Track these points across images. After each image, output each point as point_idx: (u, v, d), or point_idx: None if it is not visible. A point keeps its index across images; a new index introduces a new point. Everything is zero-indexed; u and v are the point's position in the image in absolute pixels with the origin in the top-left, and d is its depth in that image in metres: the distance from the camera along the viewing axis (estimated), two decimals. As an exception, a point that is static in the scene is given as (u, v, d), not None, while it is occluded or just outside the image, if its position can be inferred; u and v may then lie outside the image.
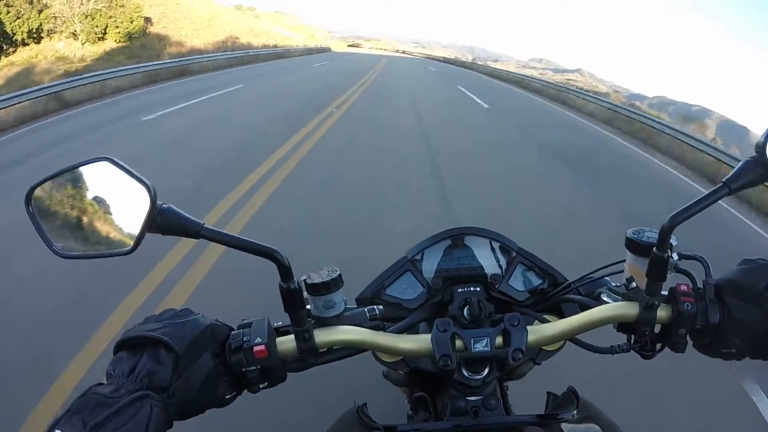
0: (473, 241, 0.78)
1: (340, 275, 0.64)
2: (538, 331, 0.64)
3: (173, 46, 26.21)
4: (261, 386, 0.61)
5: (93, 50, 23.48)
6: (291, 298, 0.59)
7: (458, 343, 0.62)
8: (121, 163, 0.56)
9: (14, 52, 22.55)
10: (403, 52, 61.03)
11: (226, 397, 0.59)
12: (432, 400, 0.81)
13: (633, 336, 0.65)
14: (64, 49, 23.09)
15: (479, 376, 0.65)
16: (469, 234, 0.78)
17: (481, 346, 0.62)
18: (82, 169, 0.59)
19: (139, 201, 0.55)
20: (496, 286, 0.74)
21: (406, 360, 0.70)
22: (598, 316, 0.63)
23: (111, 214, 0.59)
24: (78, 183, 0.60)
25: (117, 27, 24.22)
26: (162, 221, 0.55)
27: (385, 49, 72.60)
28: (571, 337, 0.66)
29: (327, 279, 0.62)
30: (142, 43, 25.21)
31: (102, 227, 0.59)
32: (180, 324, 0.57)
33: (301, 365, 0.63)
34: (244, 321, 0.62)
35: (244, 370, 0.58)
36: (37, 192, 0.58)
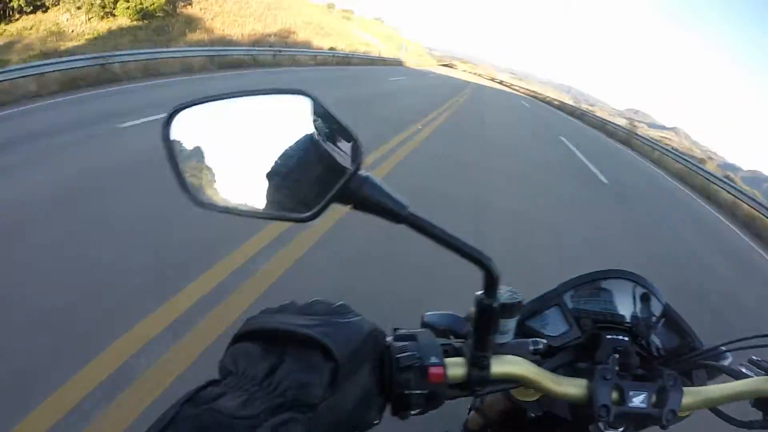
0: (614, 284, 0.74)
1: (522, 301, 0.58)
2: (692, 395, 0.61)
3: (200, 31, 21.80)
4: (413, 412, 0.52)
5: (97, 27, 20.19)
6: (488, 318, 0.52)
7: (614, 394, 0.59)
8: (324, 104, 0.44)
9: (18, 19, 20.18)
10: (500, 82, 51.86)
11: (374, 422, 0.48)
12: None
13: None
14: (67, 22, 20.26)
15: None
16: (621, 278, 0.74)
17: (638, 401, 0.59)
18: (263, 99, 0.46)
19: (332, 159, 0.44)
20: (641, 340, 0.69)
21: (541, 402, 0.67)
22: (748, 388, 0.62)
23: (288, 166, 0.45)
24: (248, 116, 0.47)
25: (127, 2, 20.48)
26: (359, 192, 0.44)
27: (480, 75, 62.75)
28: (715, 405, 0.63)
29: (513, 301, 0.57)
30: (159, 25, 21.17)
31: (272, 181, 0.46)
32: (341, 325, 0.44)
33: (459, 393, 0.55)
34: (401, 330, 0.54)
35: (407, 392, 0.49)
36: (184, 117, 0.46)
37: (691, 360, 0.71)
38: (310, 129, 0.44)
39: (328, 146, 0.45)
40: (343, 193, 0.44)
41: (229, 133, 0.46)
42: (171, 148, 0.45)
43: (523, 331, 0.70)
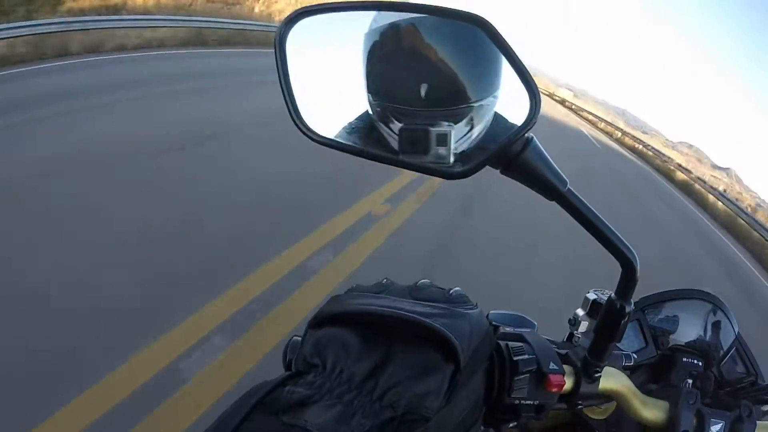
0: (691, 305, 0.73)
1: (631, 309, 0.49)
2: (763, 429, 0.59)
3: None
4: (511, 425, 0.46)
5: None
6: (615, 323, 0.46)
7: (694, 420, 0.56)
8: (504, 39, 0.35)
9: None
10: (563, 102, 37.45)
11: None
12: None
13: None
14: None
15: None
16: (699, 299, 0.72)
17: (716, 430, 0.56)
18: (419, 18, 0.36)
19: (499, 112, 0.36)
20: (714, 367, 0.67)
21: (608, 420, 0.61)
22: None
23: (442, 110, 0.36)
24: (398, 39, 0.37)
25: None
26: (520, 157, 0.38)
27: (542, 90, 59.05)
28: None
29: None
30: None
31: (416, 123, 0.36)
32: (461, 316, 0.35)
33: (559, 407, 0.49)
34: (505, 329, 0.48)
35: (519, 402, 0.43)
36: (306, 27, 0.37)
37: (758, 394, 0.67)
38: (480, 69, 0.36)
39: (500, 98, 0.37)
40: (504, 155, 0.36)
41: (369, 55, 0.37)
42: (285, 63, 0.37)
43: None
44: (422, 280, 0.39)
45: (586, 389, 0.49)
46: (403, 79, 0.37)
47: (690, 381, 0.63)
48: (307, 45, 0.37)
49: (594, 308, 0.51)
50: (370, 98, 0.37)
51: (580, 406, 0.52)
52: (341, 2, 0.37)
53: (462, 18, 0.35)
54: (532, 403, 0.44)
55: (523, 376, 0.43)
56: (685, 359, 0.65)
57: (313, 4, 0.38)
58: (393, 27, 0.36)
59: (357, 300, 0.33)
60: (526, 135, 0.37)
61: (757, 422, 0.59)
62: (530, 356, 0.44)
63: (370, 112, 0.37)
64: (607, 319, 0.47)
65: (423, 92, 0.36)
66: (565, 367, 0.48)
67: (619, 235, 0.44)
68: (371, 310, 0.32)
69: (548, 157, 0.40)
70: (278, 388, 0.27)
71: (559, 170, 0.40)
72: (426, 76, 0.36)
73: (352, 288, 0.36)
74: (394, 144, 0.37)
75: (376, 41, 0.36)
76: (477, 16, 0.35)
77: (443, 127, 0.36)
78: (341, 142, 0.38)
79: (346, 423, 0.26)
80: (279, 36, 0.37)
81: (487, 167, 0.37)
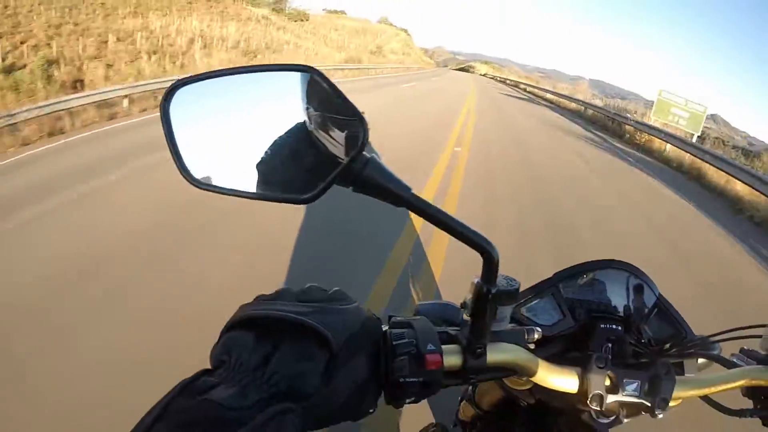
0: (608, 274, 0.75)
1: (518, 288, 0.57)
2: (683, 384, 0.62)
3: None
4: (408, 400, 0.50)
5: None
6: (485, 304, 0.51)
7: (607, 382, 0.60)
8: (331, 82, 0.43)
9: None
10: (509, 83, 45.78)
11: (370, 410, 0.48)
12: None
13: (760, 402, 0.65)
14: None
15: (606, 420, 0.62)
16: (615, 268, 0.74)
17: (631, 390, 0.60)
18: (266, 75, 0.45)
19: (335, 138, 0.43)
20: (634, 330, 0.70)
21: (533, 390, 0.66)
22: (739, 377, 0.64)
23: (289, 145, 0.45)
24: (250, 93, 0.46)
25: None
26: (362, 175, 0.44)
27: (505, 80, 51.22)
28: (706, 394, 0.64)
29: (510, 288, 0.55)
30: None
31: (271, 160, 0.45)
32: (336, 311, 0.44)
33: (458, 381, 0.55)
34: (396, 317, 0.53)
35: (402, 380, 0.48)
36: (184, 93, 0.45)
37: (683, 350, 0.71)
38: (313, 107, 0.43)
39: (332, 126, 0.44)
40: (346, 174, 0.43)
41: (229, 111, 0.45)
42: (169, 124, 0.44)
43: (517, 319, 0.70)
44: (309, 285, 0.47)
45: (474, 364, 0.54)
46: (253, 129, 0.45)
47: (610, 346, 0.66)
48: (187, 107, 0.45)
49: None
50: (238, 148, 0.45)
51: (473, 380, 0.57)
52: (207, 72, 0.45)
53: (296, 69, 0.43)
54: (416, 380, 0.49)
55: (402, 358, 0.48)
56: (602, 326, 0.68)
57: (190, 74, 0.46)
58: (241, 87, 0.45)
59: (254, 307, 0.42)
60: (365, 155, 0.43)
61: (676, 378, 0.61)
62: (409, 340, 0.50)
63: (242, 159, 0.45)
64: (478, 303, 0.52)
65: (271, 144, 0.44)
66: (452, 346, 0.54)
67: (470, 227, 0.49)
68: (261, 314, 0.40)
69: (388, 170, 0.46)
70: (196, 380, 0.35)
71: (400, 180, 0.46)
72: (269, 126, 0.44)
73: (257, 297, 0.45)
74: (260, 185, 0.45)
75: (230, 100, 0.45)
76: (308, 66, 0.43)
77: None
78: (216, 186, 0.46)
79: (242, 398, 0.34)
80: (162, 104, 0.45)
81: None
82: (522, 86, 39.25)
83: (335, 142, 0.44)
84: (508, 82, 49.03)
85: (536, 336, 0.63)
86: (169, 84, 0.46)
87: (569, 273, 0.75)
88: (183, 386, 0.34)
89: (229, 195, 0.45)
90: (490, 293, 0.51)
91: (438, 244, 3.79)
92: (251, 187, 0.44)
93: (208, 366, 0.39)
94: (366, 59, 31.15)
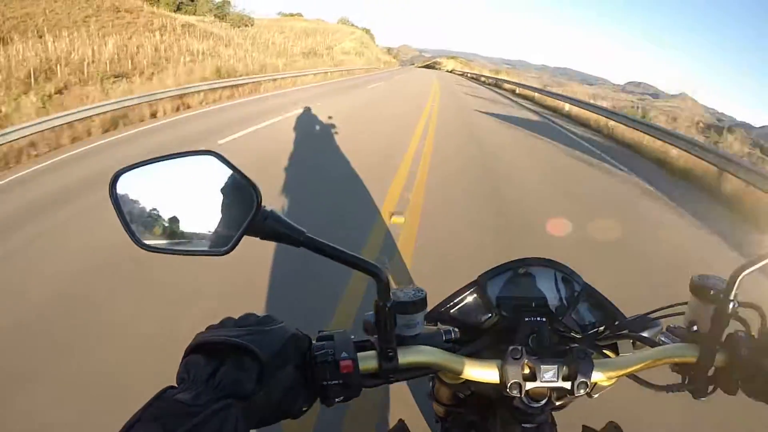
0: (537, 271, 0.80)
1: (425, 297, 0.66)
2: (603, 366, 0.66)
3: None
4: (337, 400, 0.60)
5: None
6: (384, 316, 0.60)
7: (526, 371, 0.64)
8: (228, 159, 0.55)
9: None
10: (469, 76, 47.73)
11: (303, 408, 0.58)
12: (483, 424, 0.81)
13: (688, 376, 0.67)
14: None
15: (538, 405, 0.67)
16: (538, 265, 0.80)
17: (549, 376, 0.64)
18: (182, 159, 0.56)
19: (240, 201, 0.54)
20: (561, 319, 0.76)
21: (468, 383, 0.71)
22: (660, 355, 0.67)
23: (207, 212, 0.57)
24: (173, 174, 0.58)
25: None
26: (264, 226, 0.54)
27: (469, 75, 49.37)
28: (631, 373, 0.67)
29: (415, 299, 0.65)
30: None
31: (195, 224, 0.57)
32: (265, 332, 0.55)
33: (378, 381, 0.63)
34: (324, 332, 0.62)
35: (325, 383, 0.58)
36: (125, 177, 0.56)
37: (610, 333, 0.77)
38: (222, 179, 0.55)
39: (238, 192, 0.55)
40: (252, 227, 0.54)
41: (162, 188, 0.57)
42: (118, 203, 0.56)
43: (445, 320, 0.78)
44: (246, 313, 0.59)
45: (388, 366, 0.61)
46: (179, 201, 0.57)
47: (534, 335, 0.71)
48: (131, 188, 0.56)
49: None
50: (171, 216, 0.56)
51: (393, 380, 0.64)
52: (141, 161, 0.56)
53: (198, 154, 0.55)
54: (336, 382, 0.58)
55: (320, 364, 0.58)
56: (527, 318, 0.73)
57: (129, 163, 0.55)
58: (166, 169, 0.57)
59: (204, 335, 0.54)
60: (263, 210, 0.54)
61: (595, 361, 0.65)
62: (327, 350, 0.58)
63: (174, 225, 0.56)
64: (378, 316, 0.60)
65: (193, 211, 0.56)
66: (370, 352, 0.62)
67: (360, 257, 0.58)
68: (208, 339, 0.52)
69: (285, 219, 0.55)
70: (164, 392, 0.47)
71: (296, 225, 0.56)
72: (191, 197, 0.57)
73: (207, 327, 0.56)
74: (190, 244, 0.56)
75: (160, 180, 0.57)
76: (206, 150, 0.55)
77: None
78: (156, 247, 0.56)
79: (197, 398, 0.46)
80: (110, 188, 0.55)
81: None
82: (483, 78, 40.66)
83: (241, 201, 0.54)
84: (468, 75, 49.91)
85: (453, 336, 0.69)
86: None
87: (492, 274, 0.80)
88: (155, 396, 0.46)
89: (169, 254, 0.56)
90: (386, 307, 0.59)
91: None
92: (185, 245, 0.56)
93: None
94: (301, 63, 27.26)
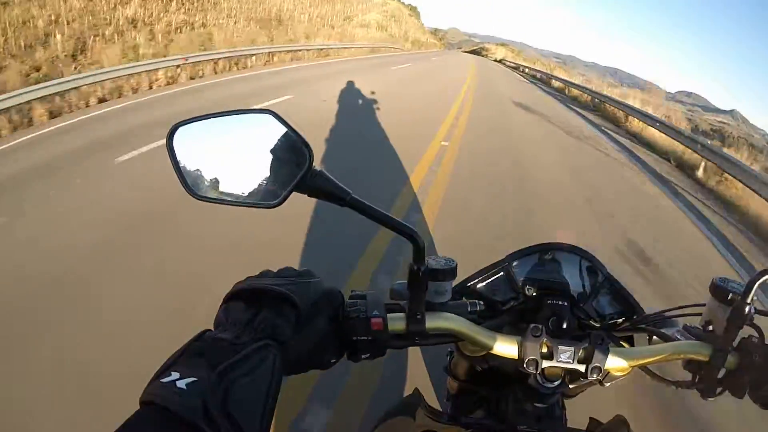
0: (563, 257, 0.83)
1: (456, 266, 0.69)
2: (618, 354, 0.67)
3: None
4: (364, 356, 0.62)
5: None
6: (418, 279, 0.62)
7: (544, 349, 0.66)
8: (284, 119, 0.57)
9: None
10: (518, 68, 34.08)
11: (332, 361, 0.61)
12: (496, 401, 0.84)
13: (698, 375, 0.68)
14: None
15: (551, 385, 0.69)
16: (566, 251, 0.83)
17: (565, 357, 0.66)
18: (242, 116, 0.59)
19: (292, 159, 0.56)
20: (581, 305, 0.78)
21: (488, 356, 0.72)
22: (673, 350, 0.68)
23: (259, 166, 0.59)
24: (232, 129, 0.60)
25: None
26: (313, 183, 0.56)
27: (524, 68, 34.28)
28: (644, 365, 0.69)
29: (445, 267, 0.68)
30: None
31: (247, 177, 0.59)
32: (303, 284, 0.57)
33: (405, 343, 0.66)
34: (356, 292, 0.65)
35: (355, 338, 0.60)
36: (184, 130, 0.59)
37: (628, 325, 0.80)
38: (276, 137, 0.58)
39: (290, 150, 0.57)
40: (302, 184, 0.56)
41: (217, 142, 0.60)
42: (174, 155, 0.58)
43: (472, 295, 0.81)
44: (286, 266, 0.61)
45: (415, 329, 0.64)
46: (234, 155, 0.60)
47: (554, 318, 0.72)
48: (184, 141, 0.58)
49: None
50: (225, 169, 0.59)
51: (419, 343, 0.66)
52: (199, 116, 0.59)
53: (257, 112, 0.58)
54: (365, 338, 0.60)
55: (352, 320, 0.60)
56: (549, 301, 0.74)
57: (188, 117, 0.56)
58: (224, 124, 0.59)
59: (243, 283, 0.56)
60: (314, 169, 0.56)
61: (611, 348, 0.66)
62: (360, 307, 0.61)
63: (229, 176, 0.59)
64: (411, 279, 0.62)
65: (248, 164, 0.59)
66: (398, 314, 0.64)
67: (399, 220, 0.59)
68: (248, 287, 0.55)
69: (334, 179, 0.57)
70: (202, 333, 0.48)
71: (342, 186, 0.57)
72: (246, 151, 0.59)
73: (246, 277, 0.58)
74: (243, 195, 0.59)
75: (217, 135, 0.60)
76: (265, 109, 0.57)
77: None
78: (210, 197, 0.59)
79: (238, 337, 0.48)
80: (167, 141, 0.58)
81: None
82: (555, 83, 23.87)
83: (293, 160, 0.57)
84: (524, 69, 34.13)
85: (478, 308, 0.72)
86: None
87: (520, 254, 0.83)
88: (194, 338, 0.48)
89: (220, 204, 0.59)
90: (420, 271, 0.61)
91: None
92: (236, 197, 0.59)
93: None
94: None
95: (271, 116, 0.57)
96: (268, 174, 0.58)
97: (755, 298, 0.64)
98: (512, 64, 41.05)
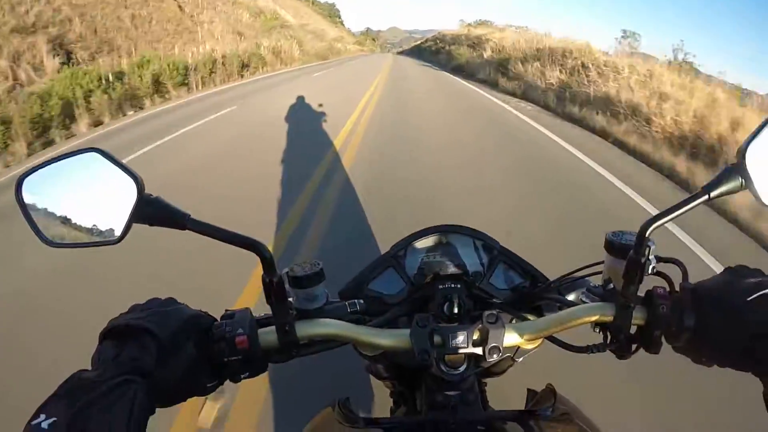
0: (457, 239, 0.81)
1: (322, 269, 0.66)
2: (516, 329, 0.64)
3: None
4: (242, 376, 0.61)
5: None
6: (273, 291, 0.59)
7: (437, 338, 0.63)
8: (109, 154, 0.57)
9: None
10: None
11: (208, 385, 0.60)
12: (411, 394, 0.82)
13: (609, 336, 0.65)
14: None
15: (456, 372, 0.65)
16: (453, 232, 0.81)
17: (458, 342, 0.62)
18: (71, 159, 0.59)
19: (126, 192, 0.56)
20: (477, 284, 0.76)
21: (386, 354, 0.71)
22: (575, 315, 0.64)
23: (99, 204, 0.60)
24: (67, 173, 0.61)
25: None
26: (148, 212, 0.56)
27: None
28: (548, 335, 0.66)
29: (309, 272, 0.65)
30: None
31: (91, 217, 0.60)
32: (164, 313, 0.58)
33: (283, 357, 0.64)
34: (228, 311, 0.63)
35: (225, 360, 0.59)
36: (28, 181, 0.59)
37: (530, 297, 0.77)
38: (108, 172, 0.58)
39: (121, 183, 0.57)
40: (138, 213, 0.56)
41: (60, 188, 0.60)
42: (24, 205, 0.58)
43: (365, 295, 0.78)
44: (151, 298, 0.61)
45: (287, 340, 0.62)
46: (74, 198, 0.59)
47: (448, 303, 0.70)
48: (34, 190, 0.58)
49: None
50: (69, 213, 0.59)
51: (297, 355, 0.64)
52: (36, 165, 0.58)
53: (83, 152, 0.57)
54: (236, 358, 0.59)
55: (219, 342, 0.58)
56: (441, 286, 0.72)
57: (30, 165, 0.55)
58: (62, 169, 0.58)
59: (116, 320, 0.56)
60: (146, 196, 0.55)
61: (507, 324, 0.63)
62: (225, 327, 0.59)
63: (73, 220, 0.59)
64: (267, 292, 0.60)
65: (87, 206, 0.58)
66: (269, 328, 0.62)
67: (242, 234, 0.57)
68: (114, 325, 0.55)
69: (169, 203, 0.56)
70: (76, 373, 0.49)
71: (179, 209, 0.56)
72: (84, 194, 0.59)
73: (120, 314, 0.58)
74: (89, 236, 0.58)
75: (64, 180, 0.59)
76: (91, 148, 0.57)
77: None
78: (65, 242, 0.59)
79: (102, 376, 0.48)
80: (15, 192, 0.57)
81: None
82: None
83: (126, 192, 0.56)
84: None
85: (359, 307, 0.70)
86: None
87: (404, 244, 0.81)
88: (68, 378, 0.49)
89: (72, 248, 0.60)
90: (273, 283, 0.59)
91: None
92: (83, 239, 0.59)
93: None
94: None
95: (97, 153, 0.58)
96: (109, 210, 0.59)
97: (652, 246, 0.59)
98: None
